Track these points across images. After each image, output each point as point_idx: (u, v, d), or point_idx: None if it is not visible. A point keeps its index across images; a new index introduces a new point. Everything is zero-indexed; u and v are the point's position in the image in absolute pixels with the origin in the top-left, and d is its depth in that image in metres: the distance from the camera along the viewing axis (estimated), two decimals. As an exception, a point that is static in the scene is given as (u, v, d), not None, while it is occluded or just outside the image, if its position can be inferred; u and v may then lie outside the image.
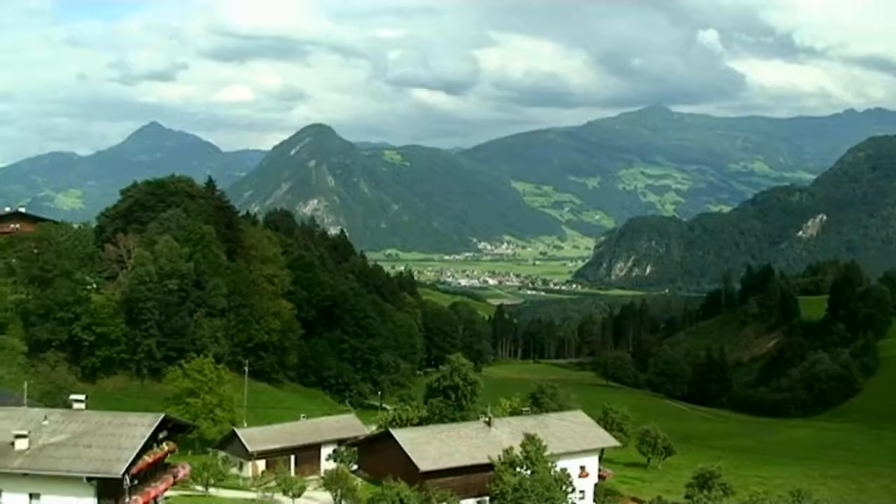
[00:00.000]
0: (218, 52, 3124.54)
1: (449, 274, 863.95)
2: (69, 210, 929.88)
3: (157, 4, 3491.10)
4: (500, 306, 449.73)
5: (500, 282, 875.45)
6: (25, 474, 58.19)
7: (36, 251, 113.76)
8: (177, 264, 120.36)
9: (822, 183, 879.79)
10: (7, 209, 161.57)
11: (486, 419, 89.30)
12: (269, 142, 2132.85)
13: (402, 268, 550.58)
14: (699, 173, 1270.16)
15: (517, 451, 78.68)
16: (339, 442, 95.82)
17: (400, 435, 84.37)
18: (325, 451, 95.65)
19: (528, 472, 76.86)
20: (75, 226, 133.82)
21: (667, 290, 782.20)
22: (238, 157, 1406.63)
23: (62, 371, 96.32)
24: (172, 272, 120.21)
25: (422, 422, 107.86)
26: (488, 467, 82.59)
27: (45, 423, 61.66)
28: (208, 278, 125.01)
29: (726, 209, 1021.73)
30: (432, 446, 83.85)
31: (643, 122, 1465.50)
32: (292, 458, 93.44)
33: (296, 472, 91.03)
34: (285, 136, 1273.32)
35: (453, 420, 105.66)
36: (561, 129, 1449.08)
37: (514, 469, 77.20)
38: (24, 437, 59.48)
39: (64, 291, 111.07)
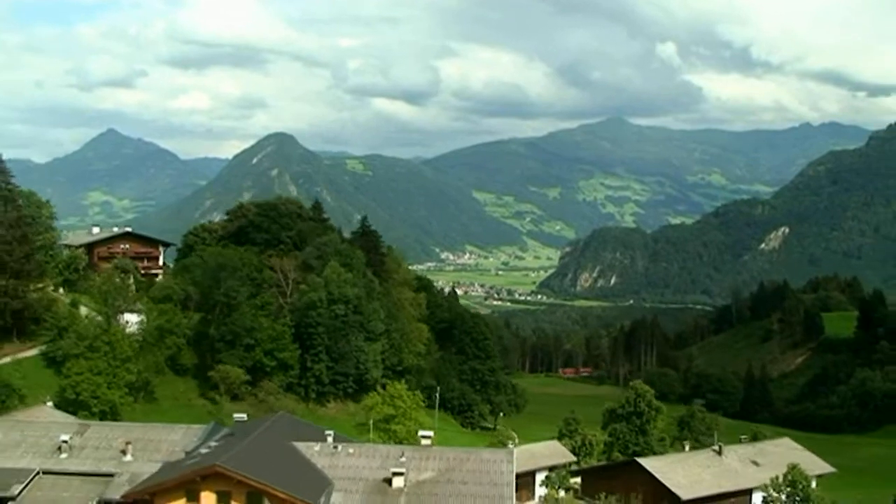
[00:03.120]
0: (177, 59, 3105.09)
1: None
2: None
3: (116, 10, 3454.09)
4: (506, 319, 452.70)
5: (465, 291, 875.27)
6: (410, 512, 59.77)
7: (216, 277, 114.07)
8: (343, 289, 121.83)
9: (783, 196, 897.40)
10: (115, 229, 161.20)
11: (716, 447, 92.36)
12: (226, 150, 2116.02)
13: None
14: (658, 185, 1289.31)
15: (780, 478, 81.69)
16: (551, 468, 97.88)
17: (648, 463, 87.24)
18: (539, 476, 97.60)
19: (793, 498, 79.91)
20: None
21: (631, 301, 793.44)
22: (197, 164, 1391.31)
23: (282, 398, 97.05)
24: (339, 297, 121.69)
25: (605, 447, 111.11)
26: (731, 495, 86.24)
27: (403, 459, 63.14)
28: (365, 303, 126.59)
29: (684, 220, 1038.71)
30: (680, 475, 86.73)
31: (602, 133, 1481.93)
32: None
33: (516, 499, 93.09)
34: (244, 145, 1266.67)
35: (637, 445, 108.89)
36: (522, 139, 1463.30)
37: (781, 496, 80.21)
38: (400, 474, 61.06)
39: (249, 318, 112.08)
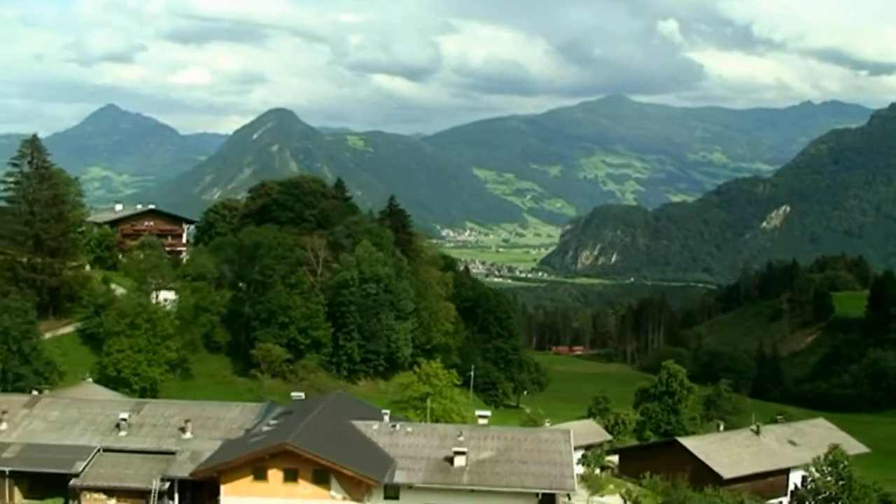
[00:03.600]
0: (177, 34, 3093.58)
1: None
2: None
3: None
4: (513, 296, 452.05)
5: (466, 269, 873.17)
6: (472, 490, 60.19)
7: (251, 256, 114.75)
8: (374, 268, 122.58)
9: (784, 174, 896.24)
10: (139, 206, 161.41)
11: (754, 427, 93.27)
12: (226, 125, 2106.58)
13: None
14: (658, 163, 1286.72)
15: (822, 458, 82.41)
16: (587, 447, 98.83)
17: (689, 443, 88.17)
18: (576, 455, 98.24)
19: (835, 477, 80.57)
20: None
21: (632, 279, 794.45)
22: (197, 140, 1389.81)
23: (322, 376, 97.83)
24: (371, 276, 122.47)
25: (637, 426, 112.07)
26: (769, 474, 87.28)
27: (461, 438, 63.56)
28: (395, 282, 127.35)
29: (685, 198, 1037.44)
30: (721, 455, 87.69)
31: (603, 110, 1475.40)
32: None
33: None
34: (243, 120, 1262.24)
35: (668, 424, 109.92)
36: (522, 116, 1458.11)
37: (824, 475, 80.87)
38: (462, 454, 61.54)
39: (284, 296, 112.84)
